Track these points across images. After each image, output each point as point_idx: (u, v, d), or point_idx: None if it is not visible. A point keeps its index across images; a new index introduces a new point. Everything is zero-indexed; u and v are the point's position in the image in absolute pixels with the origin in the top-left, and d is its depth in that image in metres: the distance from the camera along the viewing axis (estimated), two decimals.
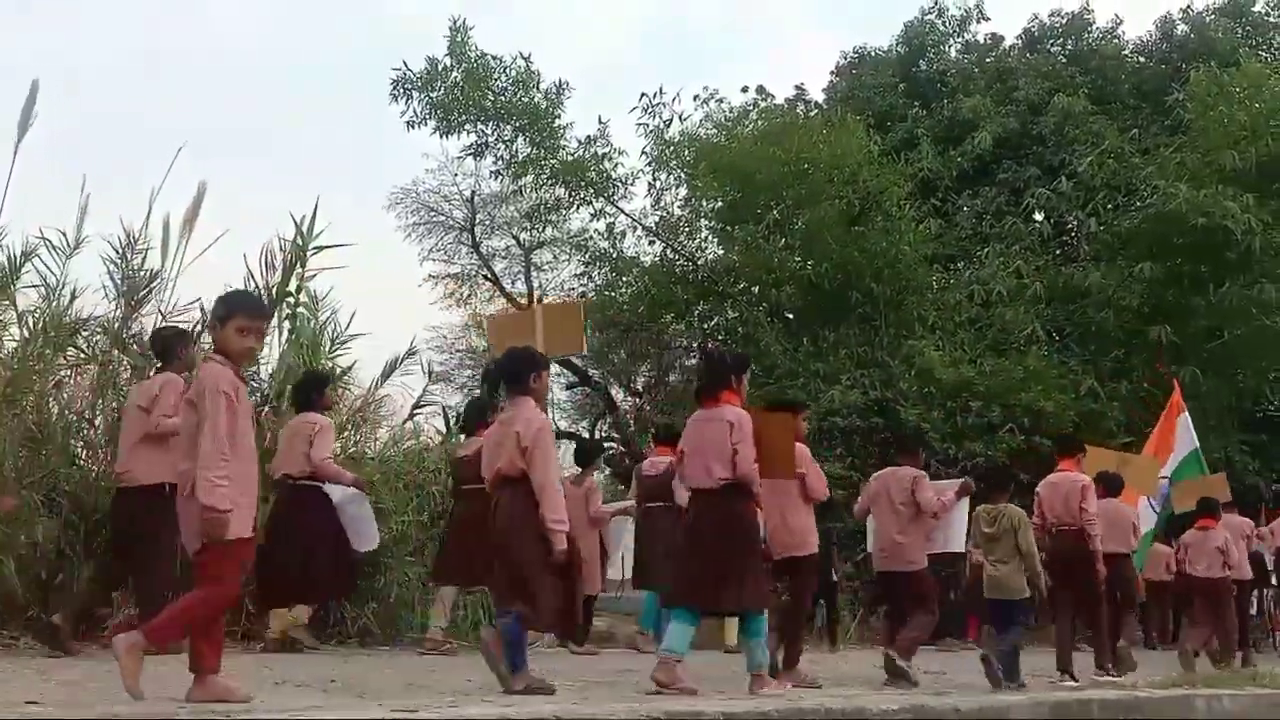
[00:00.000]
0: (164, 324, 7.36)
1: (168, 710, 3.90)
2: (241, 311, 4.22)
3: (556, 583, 4.80)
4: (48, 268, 7.88)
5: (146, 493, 5.92)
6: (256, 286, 8.25)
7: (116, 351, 7.74)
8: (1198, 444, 11.35)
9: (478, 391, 21.79)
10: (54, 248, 7.93)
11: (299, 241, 8.37)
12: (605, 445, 20.07)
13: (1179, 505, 10.44)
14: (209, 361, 4.20)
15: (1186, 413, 11.45)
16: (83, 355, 7.78)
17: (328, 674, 5.49)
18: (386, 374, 8.74)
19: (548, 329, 6.91)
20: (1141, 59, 19.72)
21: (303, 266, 8.38)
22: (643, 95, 16.65)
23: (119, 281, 7.99)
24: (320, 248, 8.45)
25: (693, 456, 5.44)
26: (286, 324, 8.33)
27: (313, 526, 6.81)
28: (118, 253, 8.01)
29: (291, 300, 8.35)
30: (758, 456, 5.31)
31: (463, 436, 8.06)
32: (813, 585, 6.67)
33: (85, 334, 7.88)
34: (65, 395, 7.55)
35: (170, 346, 6.45)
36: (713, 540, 5.27)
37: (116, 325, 7.87)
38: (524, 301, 20.77)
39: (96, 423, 7.52)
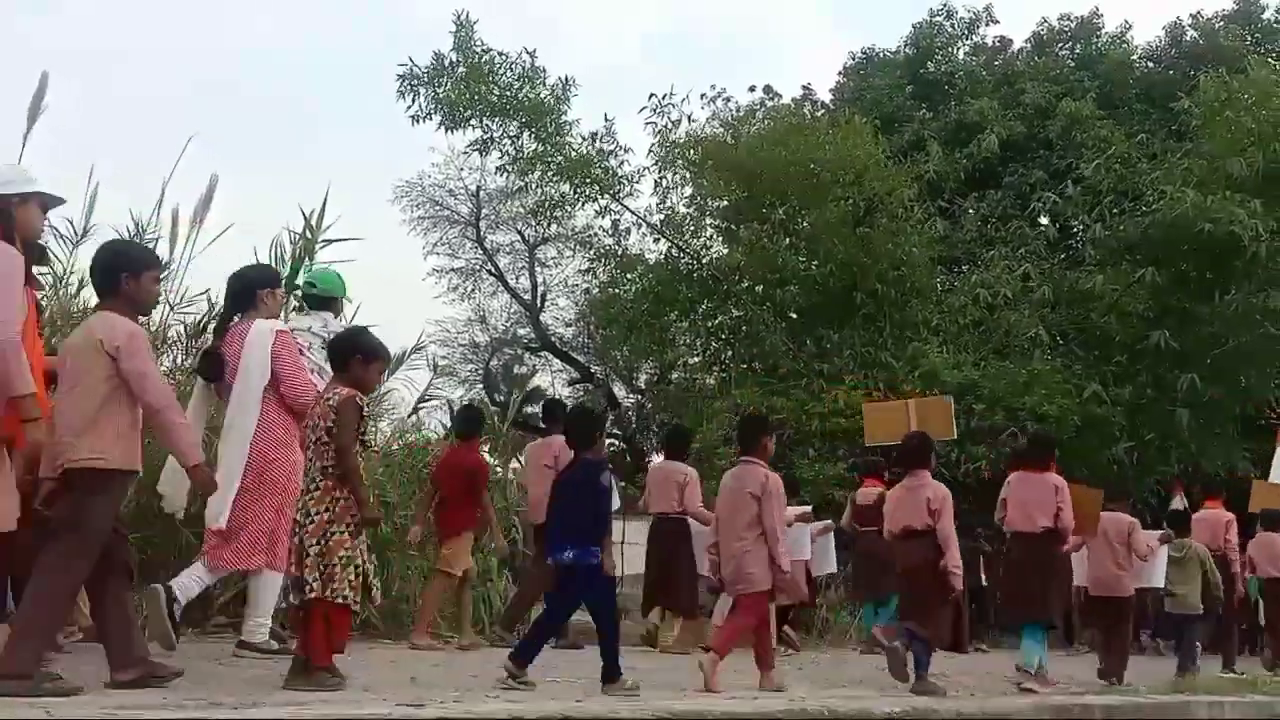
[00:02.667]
0: (554, 397, 8.53)
1: (169, 704, 3.94)
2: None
3: (949, 608, 6.60)
4: (55, 257, 7.89)
5: None
6: None
7: None
8: None
9: (481, 387, 21.87)
10: (62, 236, 7.95)
11: (308, 235, 8.38)
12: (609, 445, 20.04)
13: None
14: (750, 465, 5.99)
15: None
16: None
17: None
18: (393, 368, 8.74)
19: (920, 419, 8.29)
20: (1150, 64, 19.71)
21: (311, 260, 8.38)
22: (651, 95, 16.62)
23: None
24: (329, 241, 8.46)
25: (1017, 506, 7.14)
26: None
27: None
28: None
29: (299, 294, 8.34)
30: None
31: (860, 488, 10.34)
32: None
33: None
34: None
35: (555, 414, 8.66)
36: (1033, 571, 6.98)
37: None
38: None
39: None
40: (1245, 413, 15.15)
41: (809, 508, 9.85)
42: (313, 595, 4.44)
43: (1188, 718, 6.82)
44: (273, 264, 8.41)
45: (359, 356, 4.73)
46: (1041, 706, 6.32)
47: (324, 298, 6.57)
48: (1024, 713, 6.17)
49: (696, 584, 8.39)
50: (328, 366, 5.64)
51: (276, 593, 5.66)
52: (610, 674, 5.10)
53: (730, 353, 16.66)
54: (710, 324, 16.74)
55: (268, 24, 44.94)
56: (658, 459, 9.28)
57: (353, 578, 4.47)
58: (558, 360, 21.30)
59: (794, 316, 15.80)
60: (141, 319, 4.71)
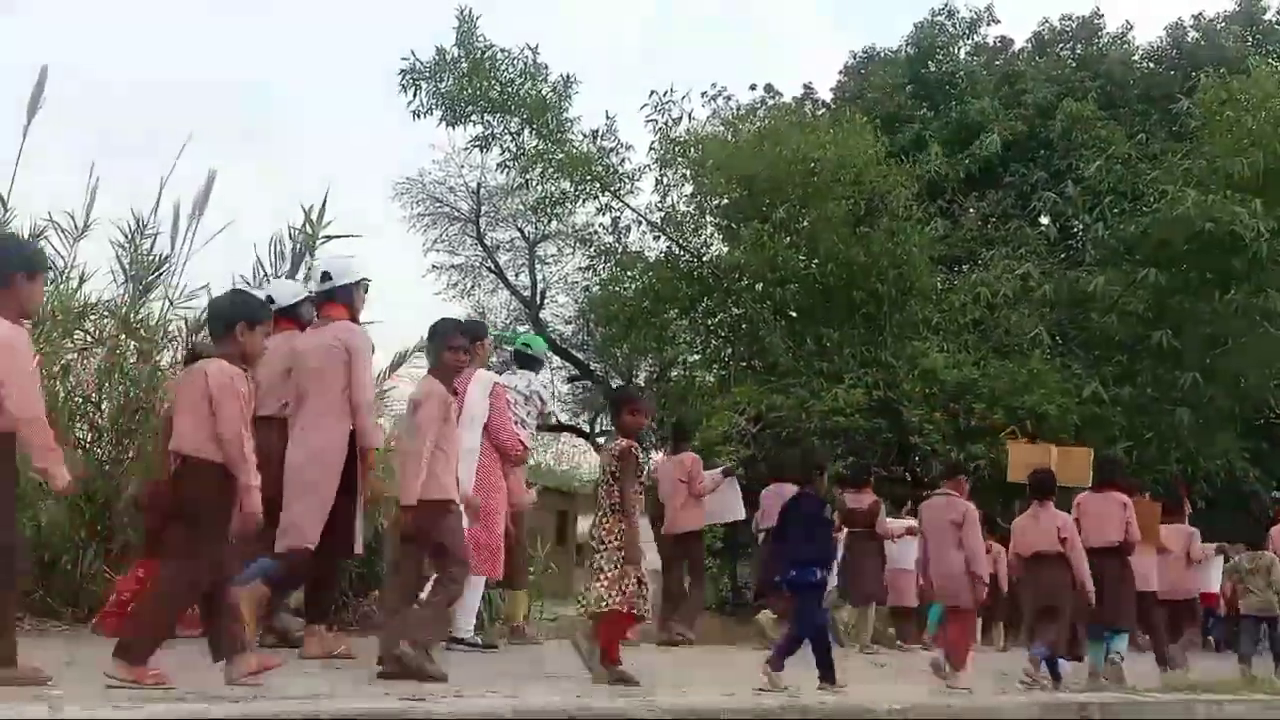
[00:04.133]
0: (681, 419, 9.32)
1: (170, 696, 3.94)
2: None
3: (1069, 621, 7.21)
4: (56, 251, 7.89)
5: (693, 536, 9.07)
6: (265, 275, 8.26)
7: (124, 336, 7.73)
8: None
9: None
10: (62, 231, 7.95)
11: (308, 231, 8.37)
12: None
13: None
14: (951, 497, 7.09)
15: None
16: (90, 339, 7.77)
17: (334, 661, 5.50)
18: (395, 365, 8.72)
19: (1060, 463, 9.07)
20: (1151, 64, 19.71)
21: (312, 256, 8.37)
22: (652, 93, 16.64)
23: (127, 266, 8.00)
24: (329, 238, 8.45)
25: (1090, 521, 7.75)
26: None
27: None
28: (126, 237, 8.03)
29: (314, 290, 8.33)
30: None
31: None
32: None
33: (93, 318, 7.87)
34: (72, 379, 7.54)
35: (685, 431, 10.17)
36: (1111, 582, 7.59)
37: (124, 309, 7.87)
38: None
39: (103, 407, 7.51)
40: (1244, 413, 15.16)
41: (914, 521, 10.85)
42: (613, 609, 5.31)
43: (1186, 717, 6.83)
44: (272, 260, 8.44)
45: (628, 409, 5.70)
46: (1044, 705, 6.33)
47: (531, 358, 7.79)
48: (1022, 710, 6.18)
49: None
50: (528, 419, 7.25)
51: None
52: (826, 676, 5.82)
53: (730, 351, 16.67)
54: (710, 322, 16.75)
55: (268, 20, 44.97)
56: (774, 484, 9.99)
57: (644, 594, 5.37)
58: (557, 357, 21.31)
59: (793, 315, 15.81)
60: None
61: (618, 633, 5.45)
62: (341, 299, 5.81)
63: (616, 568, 5.31)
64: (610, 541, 5.36)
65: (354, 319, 5.85)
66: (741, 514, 9.75)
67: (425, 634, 5.09)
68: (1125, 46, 19.82)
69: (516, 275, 21.48)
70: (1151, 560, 8.65)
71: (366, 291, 6.01)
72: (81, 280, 7.88)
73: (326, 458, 5.54)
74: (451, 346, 5.37)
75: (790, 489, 8.92)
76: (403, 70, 15.80)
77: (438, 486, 5.11)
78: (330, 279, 5.83)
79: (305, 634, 5.80)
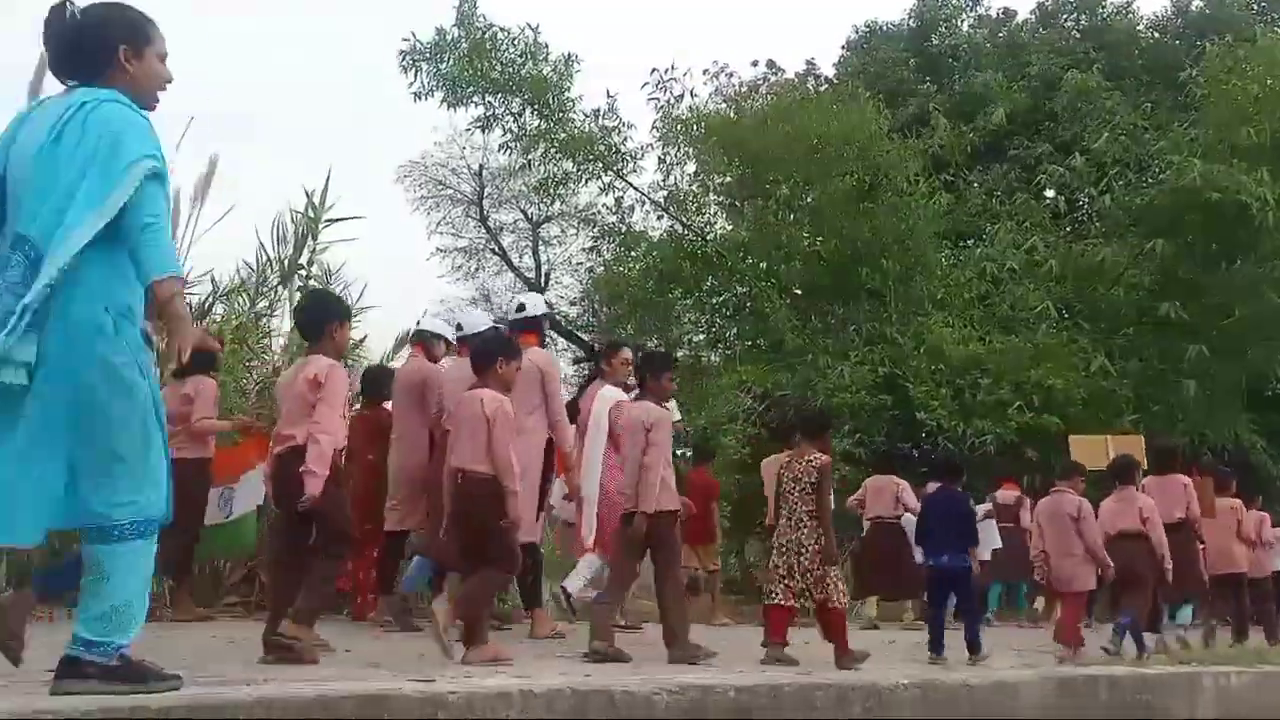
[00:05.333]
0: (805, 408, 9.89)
1: (189, 679, 3.96)
2: None
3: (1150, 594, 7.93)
4: None
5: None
6: (268, 259, 8.26)
7: None
8: None
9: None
10: None
11: (310, 214, 8.36)
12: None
13: None
14: (1065, 494, 7.75)
15: None
16: None
17: (341, 646, 5.53)
18: (398, 347, 8.75)
19: (1117, 450, 9.67)
20: (1156, 34, 19.56)
21: (314, 239, 8.37)
22: (654, 70, 16.53)
23: None
24: (332, 220, 8.44)
25: (1155, 501, 8.22)
26: (299, 296, 8.32)
27: None
28: None
29: (303, 273, 8.35)
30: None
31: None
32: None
33: None
34: None
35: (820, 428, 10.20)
36: (1177, 554, 8.13)
37: None
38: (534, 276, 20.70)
39: None
40: (1251, 384, 15.10)
41: (990, 505, 11.33)
42: (828, 605, 6.07)
43: (1195, 693, 6.82)
44: (275, 244, 8.44)
45: (827, 430, 6.73)
46: (1048, 679, 6.33)
47: None
48: (1030, 685, 6.18)
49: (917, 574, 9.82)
50: None
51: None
52: (973, 648, 6.70)
53: (735, 330, 16.62)
54: (715, 301, 16.69)
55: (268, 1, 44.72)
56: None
57: (843, 588, 6.16)
58: (562, 339, 21.31)
59: (798, 293, 15.74)
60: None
61: (841, 624, 6.14)
62: (533, 327, 6.75)
63: (819, 568, 6.07)
64: (812, 545, 6.10)
65: (541, 344, 6.81)
66: None
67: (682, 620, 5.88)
68: (1129, 16, 19.66)
69: (520, 257, 21.44)
70: (1237, 541, 9.37)
71: (550, 320, 6.72)
72: None
73: (530, 464, 6.20)
74: (669, 376, 6.24)
75: (888, 481, 10.19)
76: (402, 51, 15.73)
77: (671, 498, 5.94)
78: (525, 309, 6.82)
79: (532, 617, 6.65)
